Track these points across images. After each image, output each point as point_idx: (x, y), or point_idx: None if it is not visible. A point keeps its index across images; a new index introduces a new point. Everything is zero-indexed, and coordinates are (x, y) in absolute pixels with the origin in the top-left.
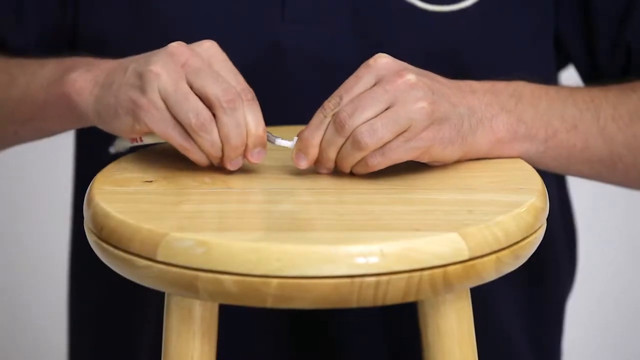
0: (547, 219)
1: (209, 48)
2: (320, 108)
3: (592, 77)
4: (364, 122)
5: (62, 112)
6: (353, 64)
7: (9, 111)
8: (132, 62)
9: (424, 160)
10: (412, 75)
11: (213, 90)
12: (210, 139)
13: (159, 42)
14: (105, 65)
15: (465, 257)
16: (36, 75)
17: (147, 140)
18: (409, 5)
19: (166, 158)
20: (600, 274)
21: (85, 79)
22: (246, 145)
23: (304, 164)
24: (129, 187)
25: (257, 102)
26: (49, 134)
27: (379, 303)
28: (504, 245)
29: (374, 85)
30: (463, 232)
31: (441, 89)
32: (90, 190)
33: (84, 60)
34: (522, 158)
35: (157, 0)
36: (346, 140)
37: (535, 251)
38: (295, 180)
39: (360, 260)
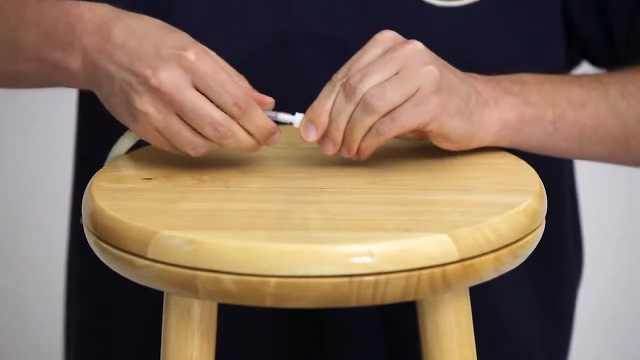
0: (560, 211)
1: (197, 60)
2: (329, 81)
3: (609, 63)
4: (373, 87)
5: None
6: None
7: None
8: (120, 69)
9: (433, 129)
10: (420, 44)
11: (204, 130)
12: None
13: None
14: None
15: (456, 257)
16: (28, 26)
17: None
18: (417, 1)
19: (166, 156)
20: (601, 273)
21: (80, 58)
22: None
23: (312, 136)
24: (127, 184)
25: (251, 107)
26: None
27: (378, 302)
28: (496, 247)
29: (382, 54)
30: (453, 233)
31: (447, 66)
32: (89, 187)
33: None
34: (533, 143)
35: None
36: (356, 107)
37: (548, 245)
38: (294, 179)
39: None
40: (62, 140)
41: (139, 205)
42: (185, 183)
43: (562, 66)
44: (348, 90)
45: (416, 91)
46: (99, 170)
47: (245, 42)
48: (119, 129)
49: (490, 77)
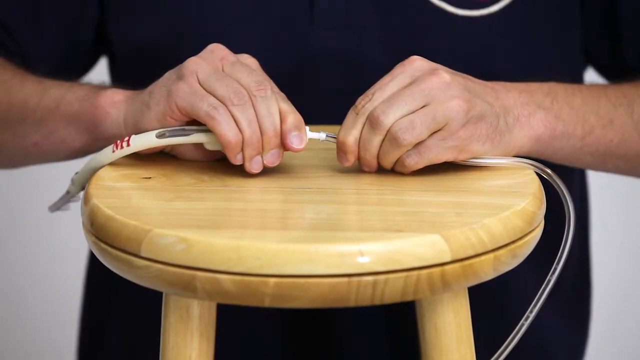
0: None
1: (247, 58)
2: (353, 106)
3: (615, 75)
4: (400, 118)
5: (84, 126)
6: (382, 67)
7: (37, 119)
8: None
9: (465, 158)
10: (446, 75)
11: (247, 80)
12: (248, 116)
13: (188, 50)
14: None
15: (448, 258)
16: (73, 88)
17: (132, 147)
18: (437, 9)
19: (167, 155)
20: (602, 274)
21: (124, 93)
22: (284, 132)
23: (347, 164)
24: (127, 183)
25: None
26: (60, 152)
27: (377, 302)
28: (490, 248)
29: (408, 84)
30: (445, 234)
31: (475, 88)
32: (88, 186)
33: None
34: (559, 156)
35: (185, 9)
36: (385, 138)
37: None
38: (293, 179)
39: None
40: None
41: (136, 204)
42: (184, 182)
43: (579, 75)
44: (373, 123)
45: (444, 126)
46: (100, 169)
47: (267, 58)
48: None
49: (524, 88)
